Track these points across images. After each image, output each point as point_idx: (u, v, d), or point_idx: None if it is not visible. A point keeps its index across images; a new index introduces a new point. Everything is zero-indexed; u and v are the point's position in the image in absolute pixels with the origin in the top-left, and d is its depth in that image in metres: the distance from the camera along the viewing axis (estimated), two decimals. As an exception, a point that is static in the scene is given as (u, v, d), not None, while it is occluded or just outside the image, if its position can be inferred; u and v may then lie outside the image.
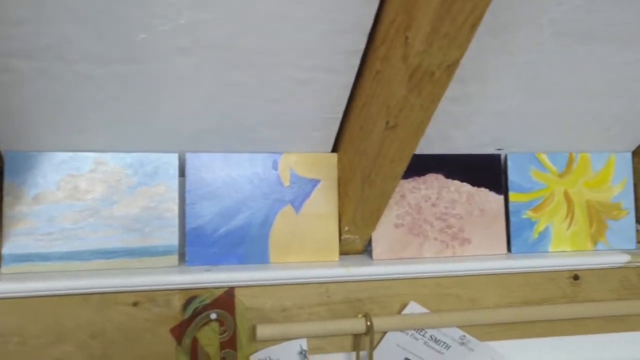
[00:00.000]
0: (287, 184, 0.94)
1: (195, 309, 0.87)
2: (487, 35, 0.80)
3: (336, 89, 0.82)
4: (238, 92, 0.80)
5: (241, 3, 0.67)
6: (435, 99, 0.69)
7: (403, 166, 0.80)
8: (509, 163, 1.03)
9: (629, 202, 1.06)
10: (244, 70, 0.77)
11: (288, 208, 0.94)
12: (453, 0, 0.57)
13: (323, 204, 0.94)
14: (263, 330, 0.87)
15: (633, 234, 1.06)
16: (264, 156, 0.93)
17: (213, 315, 0.86)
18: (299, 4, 0.69)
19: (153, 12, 0.67)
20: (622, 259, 1.01)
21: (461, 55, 0.64)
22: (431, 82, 0.67)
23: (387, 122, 0.72)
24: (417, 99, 0.69)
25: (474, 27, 0.61)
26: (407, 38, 0.65)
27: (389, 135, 0.74)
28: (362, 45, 0.76)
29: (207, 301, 0.88)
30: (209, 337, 0.87)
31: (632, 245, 1.06)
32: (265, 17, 0.70)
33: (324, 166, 0.95)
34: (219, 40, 0.72)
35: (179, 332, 0.86)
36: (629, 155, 1.07)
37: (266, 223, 0.93)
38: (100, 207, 0.87)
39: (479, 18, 0.60)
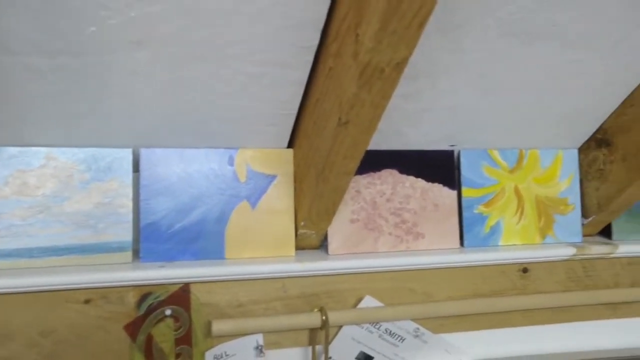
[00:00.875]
0: (243, 179, 0.94)
1: (150, 305, 0.87)
2: (438, 33, 0.82)
3: (290, 85, 0.83)
4: (192, 87, 0.80)
5: (192, -3, 0.67)
6: (386, 96, 0.71)
7: (356, 162, 0.81)
8: (462, 159, 1.05)
9: (575, 197, 1.10)
10: (197, 65, 0.77)
11: (244, 204, 0.94)
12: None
13: (279, 199, 0.95)
14: (218, 326, 0.87)
15: (579, 227, 1.10)
16: (220, 151, 0.93)
17: (168, 312, 0.86)
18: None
19: (102, 4, 0.66)
20: (569, 251, 1.05)
21: (410, 53, 0.65)
22: (381, 79, 0.68)
23: (340, 119, 0.73)
24: (367, 95, 0.70)
25: (421, 26, 0.62)
26: (357, 35, 0.66)
27: (341, 132, 0.75)
28: (316, 42, 0.77)
29: (162, 297, 0.87)
30: (163, 334, 0.87)
31: (578, 238, 1.10)
32: (217, 11, 0.70)
33: (280, 162, 0.95)
34: (171, 34, 0.72)
35: (133, 329, 0.85)
36: (576, 152, 1.11)
37: (222, 219, 0.93)
38: (51, 203, 0.85)
39: (426, 17, 0.61)
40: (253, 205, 0.94)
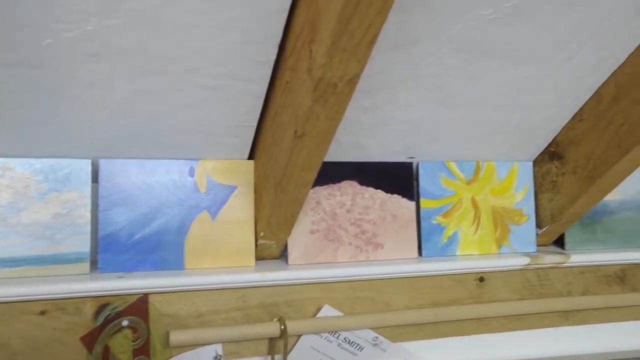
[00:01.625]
0: (203, 190, 0.95)
1: (107, 316, 0.86)
2: (393, 49, 0.84)
3: (249, 98, 0.84)
4: (151, 99, 0.81)
5: (148, 10, 0.68)
6: (340, 110, 0.73)
7: (313, 174, 0.83)
8: (421, 171, 1.08)
9: (530, 208, 1.14)
10: (156, 77, 0.78)
11: (204, 214, 0.94)
12: (350, 18, 0.61)
13: (239, 210, 0.96)
14: (176, 336, 0.88)
15: (533, 238, 1.14)
16: (180, 162, 0.94)
17: (125, 322, 0.86)
18: (207, 14, 0.70)
19: (58, 18, 0.67)
20: (523, 261, 1.08)
21: (361, 70, 0.67)
22: (335, 93, 0.70)
23: (296, 132, 0.75)
24: (322, 109, 0.72)
25: (371, 43, 0.64)
26: (311, 51, 0.68)
27: (297, 144, 0.77)
28: (273, 56, 0.78)
29: (120, 308, 0.87)
30: (121, 345, 0.87)
31: (533, 248, 1.13)
32: (175, 25, 0.71)
33: (241, 173, 0.96)
34: (129, 47, 0.72)
35: (89, 340, 0.85)
36: (530, 164, 1.15)
37: (182, 229, 0.93)
38: (7, 214, 0.85)
39: (375, 35, 0.63)
40: (213, 215, 0.95)
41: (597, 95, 0.99)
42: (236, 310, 0.94)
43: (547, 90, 0.98)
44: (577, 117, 1.04)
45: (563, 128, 1.07)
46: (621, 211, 1.20)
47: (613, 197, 1.18)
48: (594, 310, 1.16)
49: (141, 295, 0.88)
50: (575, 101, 1.02)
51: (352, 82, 0.69)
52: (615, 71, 0.95)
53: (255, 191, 0.96)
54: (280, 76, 0.80)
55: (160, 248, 0.92)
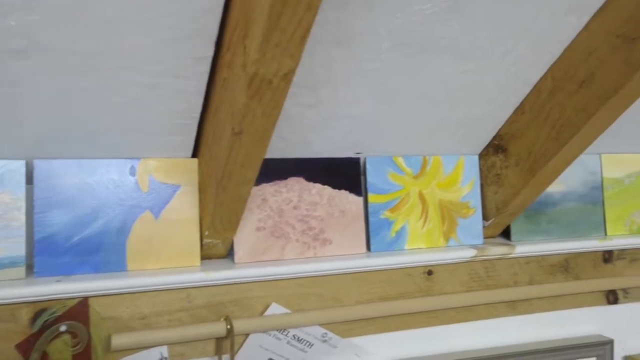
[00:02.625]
0: (145, 189, 0.93)
1: (45, 322, 0.84)
2: (334, 45, 0.84)
3: (187, 95, 0.82)
4: (83, 97, 0.78)
5: (73, 6, 0.66)
6: (277, 106, 0.72)
7: (254, 171, 0.82)
8: (368, 166, 1.08)
9: (476, 201, 1.16)
10: (86, 75, 0.75)
11: (147, 214, 0.92)
12: (280, 13, 0.60)
13: (183, 209, 0.94)
14: (118, 340, 0.86)
15: (480, 230, 1.16)
16: (120, 162, 0.92)
17: (63, 328, 0.83)
18: (136, 9, 0.68)
19: (-23, 13, 0.64)
20: (470, 253, 1.10)
21: (295, 65, 0.67)
22: (270, 89, 0.69)
23: (233, 129, 0.74)
24: (258, 106, 0.71)
25: (303, 39, 0.64)
26: (245, 47, 0.67)
27: (236, 141, 0.76)
28: (210, 53, 0.77)
29: (59, 313, 0.85)
30: (60, 351, 0.84)
31: (480, 240, 1.15)
32: (104, 21, 0.69)
33: (184, 171, 0.95)
34: (55, 44, 0.70)
35: (25, 347, 0.82)
36: (476, 158, 1.16)
37: (123, 230, 0.91)
38: None
39: (307, 31, 0.63)
40: (156, 215, 0.93)
41: (536, 89, 1.01)
42: (181, 311, 0.93)
43: (488, 84, 1.00)
44: (519, 110, 1.06)
45: (506, 122, 1.09)
46: (564, 202, 1.23)
47: (556, 188, 1.21)
48: (540, 299, 1.19)
49: (81, 298, 0.86)
50: (516, 95, 1.04)
51: (287, 77, 0.68)
52: (552, 66, 0.97)
53: (200, 190, 0.95)
54: (219, 72, 0.79)
55: (101, 250, 0.89)
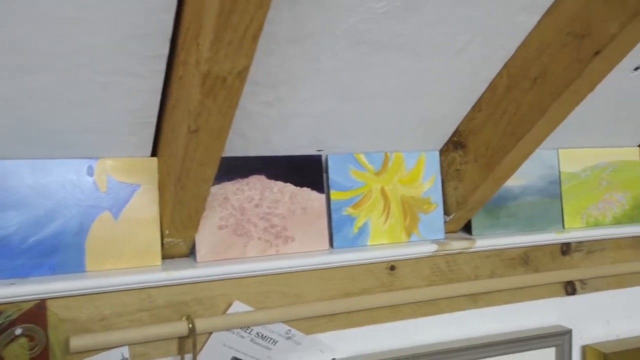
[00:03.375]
0: (104, 189, 0.92)
1: (0, 325, 0.82)
2: (290, 43, 0.84)
3: (144, 93, 0.82)
4: (38, 96, 0.77)
5: (27, 4, 0.65)
6: (232, 104, 0.72)
7: (212, 169, 0.82)
8: (330, 163, 1.09)
9: (437, 197, 1.17)
10: (40, 74, 0.74)
11: (106, 214, 0.92)
12: (230, 11, 0.60)
13: (143, 208, 0.94)
14: (77, 342, 0.85)
15: (442, 225, 1.17)
16: (77, 162, 0.90)
17: (18, 331, 0.82)
18: (88, 7, 0.68)
19: None
20: (431, 248, 1.12)
21: (249, 63, 0.67)
22: (224, 87, 0.69)
23: (189, 127, 0.74)
24: (213, 103, 0.71)
25: (255, 37, 0.64)
26: (198, 45, 0.67)
27: (192, 139, 0.76)
28: (165, 51, 0.77)
29: (14, 316, 0.83)
30: (17, 355, 0.83)
31: (441, 235, 1.17)
32: (57, 18, 0.68)
33: (144, 171, 0.94)
34: (7, 42, 0.69)
35: (-20, 351, 0.81)
36: (437, 154, 1.18)
37: (81, 231, 0.90)
38: None
39: (259, 29, 0.63)
40: (115, 215, 0.92)
41: (493, 86, 1.03)
42: (142, 311, 0.92)
43: (445, 82, 1.01)
44: (476, 107, 1.08)
45: (464, 118, 1.11)
46: (523, 196, 1.26)
47: (515, 182, 1.24)
48: (500, 292, 1.22)
49: (38, 301, 0.85)
50: (473, 92, 1.06)
51: (241, 75, 0.68)
52: (507, 63, 0.99)
53: (160, 189, 0.94)
54: (175, 71, 0.78)
55: (58, 251, 0.88)
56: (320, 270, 1.05)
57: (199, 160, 0.79)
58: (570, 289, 1.29)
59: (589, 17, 0.84)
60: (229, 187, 1.01)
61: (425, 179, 1.17)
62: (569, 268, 1.28)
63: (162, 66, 0.79)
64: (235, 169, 1.01)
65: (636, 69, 1.13)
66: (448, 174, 1.17)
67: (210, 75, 0.67)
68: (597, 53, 0.83)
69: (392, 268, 1.11)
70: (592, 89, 0.90)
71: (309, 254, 1.04)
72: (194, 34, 0.68)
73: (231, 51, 0.65)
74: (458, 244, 1.15)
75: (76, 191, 0.90)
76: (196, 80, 0.69)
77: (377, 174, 1.13)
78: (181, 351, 0.94)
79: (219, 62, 0.66)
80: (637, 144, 1.38)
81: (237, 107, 0.73)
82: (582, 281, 1.30)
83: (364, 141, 1.11)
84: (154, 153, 0.95)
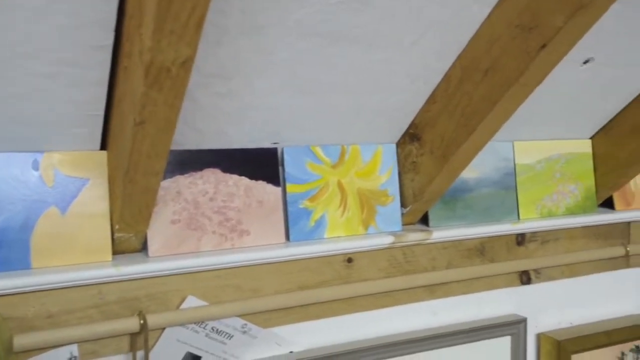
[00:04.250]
0: (50, 184, 0.89)
1: (-60, 325, 0.80)
2: (242, 35, 0.83)
3: (89, 85, 0.80)
4: (-25, 88, 0.75)
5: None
6: (178, 95, 0.71)
7: (161, 162, 0.80)
8: (286, 156, 1.08)
9: (394, 189, 1.18)
10: (-24, 64, 0.72)
11: (52, 209, 0.89)
12: (170, 0, 0.59)
13: (93, 203, 0.92)
14: (22, 340, 0.82)
15: (399, 217, 1.18)
16: (22, 156, 0.88)
17: (-43, 330, 0.79)
18: (26, -5, 0.66)
19: None
20: (388, 240, 1.12)
21: (193, 53, 0.66)
22: (169, 78, 0.68)
23: (135, 119, 0.72)
24: (159, 95, 0.69)
25: (198, 26, 0.63)
26: (141, 34, 0.65)
27: (139, 132, 0.74)
28: (109, 41, 0.75)
29: (-45, 315, 0.81)
30: (-42, 354, 0.80)
31: (398, 227, 1.18)
32: (-8, 7, 0.66)
33: (92, 164, 0.92)
34: (-62, 31, 0.66)
35: None
36: (394, 146, 1.19)
37: (26, 226, 0.87)
38: None
39: (202, 18, 0.62)
40: (63, 210, 0.90)
41: (447, 78, 1.04)
42: (92, 307, 0.90)
43: (400, 74, 1.01)
44: (431, 99, 1.08)
45: (420, 111, 1.11)
46: (479, 188, 1.28)
47: (471, 174, 1.25)
48: (457, 283, 1.23)
49: (-20, 299, 0.82)
50: (428, 84, 1.06)
51: (186, 65, 0.67)
52: (460, 55, 1.00)
53: (109, 183, 0.92)
54: (120, 62, 0.76)
55: (2, 248, 0.86)
56: (277, 263, 1.04)
57: (146, 153, 0.78)
58: (525, 278, 1.32)
59: (537, 9, 0.85)
60: (182, 180, 0.99)
61: (382, 172, 1.18)
62: (524, 258, 1.31)
63: (107, 57, 0.77)
64: (189, 162, 1.00)
65: (586, 62, 1.15)
66: (405, 166, 1.18)
67: (153, 66, 0.66)
68: (543, 46, 0.84)
69: (350, 260, 1.11)
70: (540, 81, 0.92)
71: (264, 247, 1.04)
72: (136, 24, 0.67)
73: (174, 40, 0.63)
74: (414, 236, 1.15)
75: (21, 186, 0.87)
76: (140, 71, 0.67)
77: (334, 166, 1.13)
78: (133, 348, 0.93)
79: (162, 52, 0.64)
80: (589, 137, 1.42)
81: (183, 99, 0.72)
82: (536, 271, 1.33)
83: (320, 134, 1.10)
84: (103, 146, 0.93)
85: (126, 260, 0.93)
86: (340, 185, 1.13)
